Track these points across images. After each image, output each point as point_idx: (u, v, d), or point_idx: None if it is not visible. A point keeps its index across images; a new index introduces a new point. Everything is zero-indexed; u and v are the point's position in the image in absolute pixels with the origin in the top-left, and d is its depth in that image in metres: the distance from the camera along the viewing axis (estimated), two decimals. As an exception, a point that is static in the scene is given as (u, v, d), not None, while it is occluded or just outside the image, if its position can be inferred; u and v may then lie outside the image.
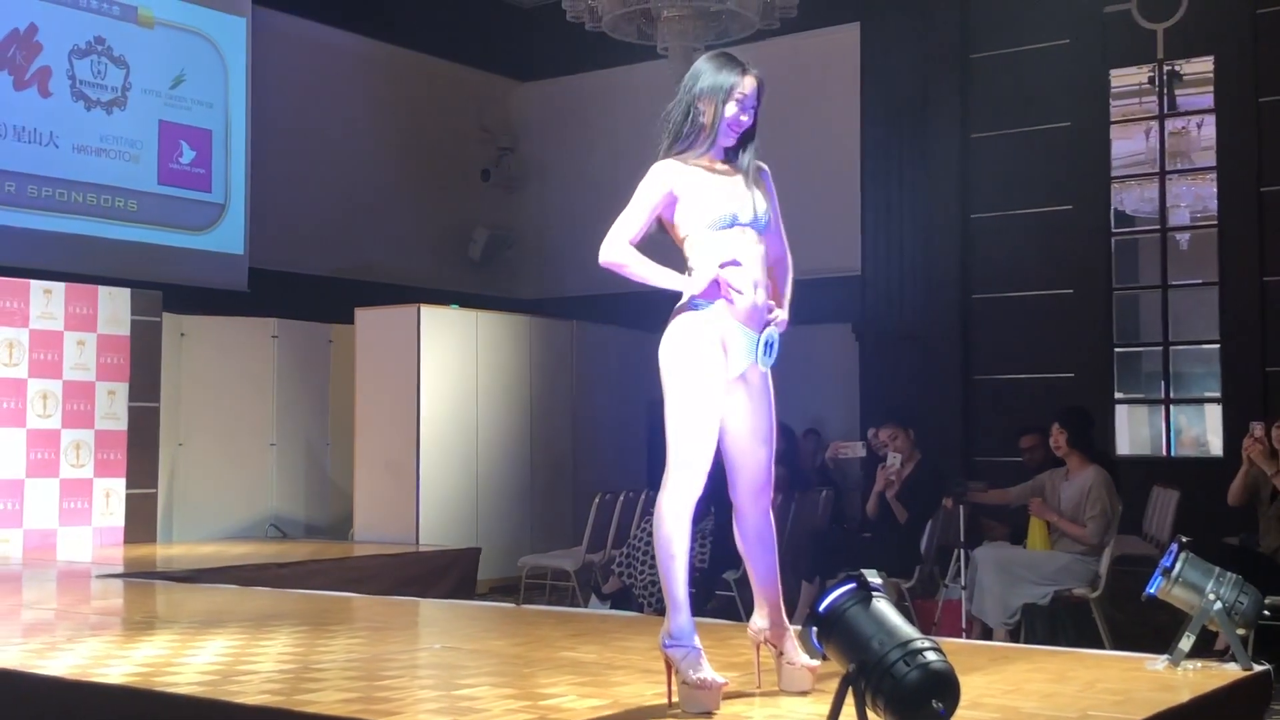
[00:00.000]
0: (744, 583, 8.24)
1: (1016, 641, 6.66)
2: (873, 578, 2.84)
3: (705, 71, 3.81)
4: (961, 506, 7.61)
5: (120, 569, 7.85)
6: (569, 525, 10.70)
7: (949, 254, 11.38)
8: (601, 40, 9.46)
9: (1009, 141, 11.24)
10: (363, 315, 10.19)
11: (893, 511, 8.14)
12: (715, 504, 8.34)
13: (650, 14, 8.75)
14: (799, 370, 12.28)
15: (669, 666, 3.58)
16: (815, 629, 2.83)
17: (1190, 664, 4.10)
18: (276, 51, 11.78)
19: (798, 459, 9.60)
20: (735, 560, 7.99)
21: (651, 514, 9.24)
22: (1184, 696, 3.73)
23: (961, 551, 7.40)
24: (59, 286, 9.24)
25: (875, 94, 11.74)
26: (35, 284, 9.12)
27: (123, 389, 9.47)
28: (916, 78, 11.52)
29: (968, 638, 6.88)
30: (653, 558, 8.28)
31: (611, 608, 8.09)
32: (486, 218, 13.97)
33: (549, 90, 14.29)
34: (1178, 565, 4.15)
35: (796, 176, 12.54)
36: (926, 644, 2.71)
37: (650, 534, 8.37)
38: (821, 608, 2.81)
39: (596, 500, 9.01)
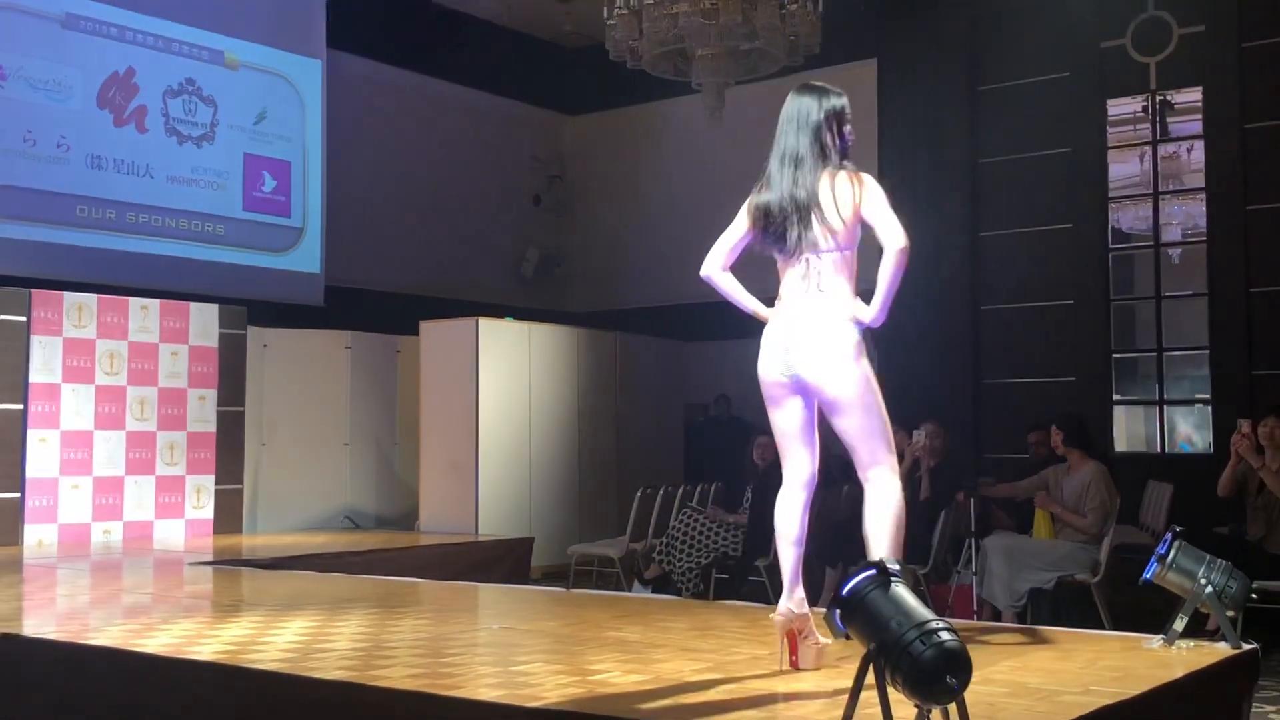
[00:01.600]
0: (774, 569, 8.21)
1: (1023, 623, 6.60)
2: (891, 564, 2.83)
3: (832, 96, 3.87)
4: (973, 500, 7.56)
5: (210, 557, 7.91)
6: (613, 516, 10.71)
7: (960, 268, 11.32)
8: (640, 77, 9.47)
9: (1015, 166, 11.17)
10: (427, 327, 10.23)
11: (913, 493, 8.09)
12: (756, 494, 8.34)
13: (686, 53, 8.72)
14: (822, 375, 12.25)
15: (793, 635, 3.71)
16: (839, 611, 2.82)
17: (1184, 643, 4.05)
18: (350, 90, 11.86)
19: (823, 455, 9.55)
20: (767, 548, 7.98)
21: (688, 506, 9.23)
22: (1178, 673, 3.69)
23: (972, 540, 7.35)
24: (154, 303, 9.33)
25: (891, 123, 11.69)
26: (133, 301, 9.23)
27: (212, 395, 9.55)
28: (929, 108, 11.47)
29: (978, 619, 6.83)
30: (690, 546, 8.27)
31: (653, 592, 8.08)
32: (538, 239, 14.01)
33: (593, 123, 14.33)
34: (1172, 552, 4.11)
35: (819, 199, 12.53)
36: (941, 625, 2.69)
37: (687, 524, 8.37)
38: (845, 592, 2.79)
39: (639, 494, 9.00)
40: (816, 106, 3.83)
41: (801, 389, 3.77)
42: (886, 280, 3.68)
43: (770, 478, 8.57)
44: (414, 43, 12.57)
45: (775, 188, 3.80)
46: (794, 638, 3.76)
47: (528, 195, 14.02)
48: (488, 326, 10.13)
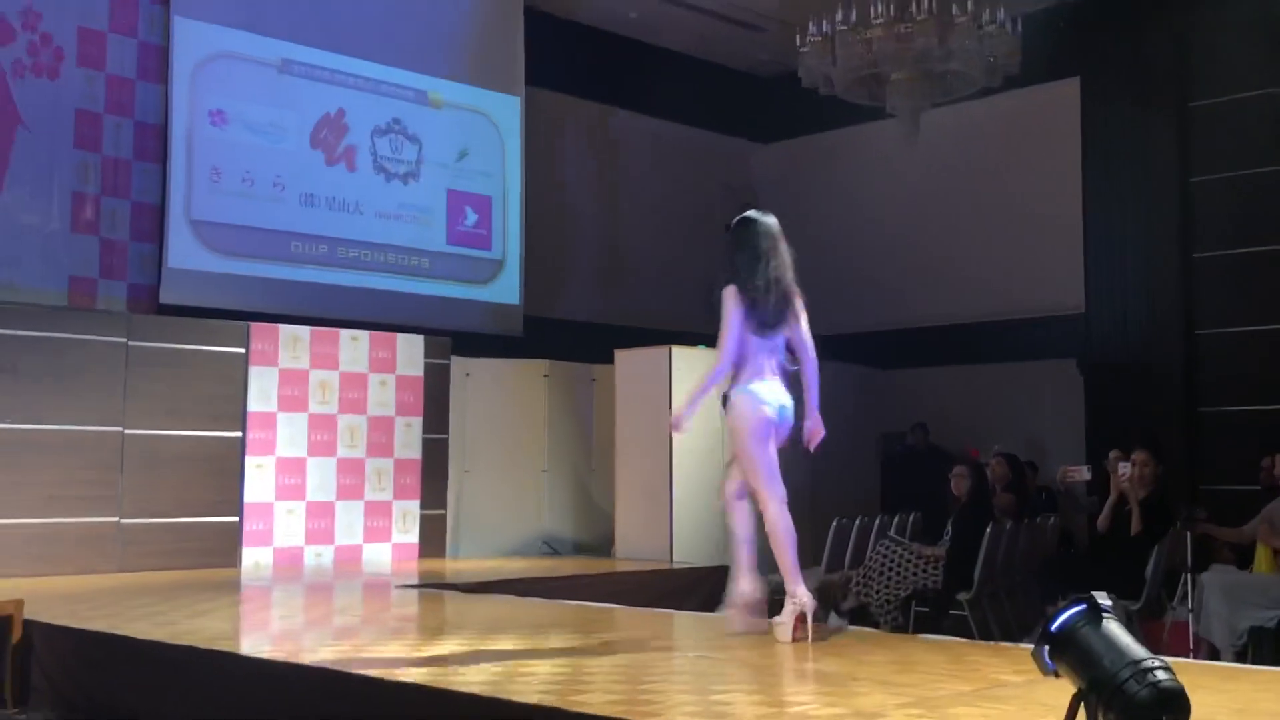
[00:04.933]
0: (976, 603, 7.95)
1: (1244, 663, 6.28)
2: (1102, 599, 2.73)
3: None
4: (1189, 532, 7.23)
5: (415, 580, 8.10)
6: (808, 546, 10.54)
7: (1171, 292, 10.88)
8: (831, 103, 9.41)
9: (1230, 184, 10.69)
10: (621, 356, 10.33)
11: (1124, 528, 7.77)
12: (956, 526, 8.15)
13: (879, 77, 8.64)
14: (1022, 403, 11.90)
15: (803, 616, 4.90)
16: (1047, 647, 2.73)
17: None
18: (545, 124, 12.11)
19: (1024, 486, 9.26)
20: (969, 582, 7.79)
21: (887, 536, 9.08)
22: None
23: (1188, 575, 7.03)
24: (364, 335, 9.67)
25: (1095, 142, 11.34)
26: (344, 333, 9.58)
27: (417, 423, 9.83)
28: (1135, 126, 11.09)
29: (1195, 658, 6.52)
30: (888, 578, 8.12)
31: (850, 624, 7.96)
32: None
33: (784, 150, 14.31)
34: None
35: (1018, 223, 12.23)
36: (1156, 663, 2.58)
37: (885, 555, 8.23)
38: (1054, 627, 2.71)
39: (834, 524, 8.89)
40: (777, 225, 5.71)
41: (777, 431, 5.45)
42: (813, 389, 5.67)
43: (972, 509, 8.37)
44: (607, 76, 12.78)
45: (773, 273, 5.47)
46: (803, 618, 4.97)
47: (719, 224, 14.03)
48: (680, 354, 10.14)
